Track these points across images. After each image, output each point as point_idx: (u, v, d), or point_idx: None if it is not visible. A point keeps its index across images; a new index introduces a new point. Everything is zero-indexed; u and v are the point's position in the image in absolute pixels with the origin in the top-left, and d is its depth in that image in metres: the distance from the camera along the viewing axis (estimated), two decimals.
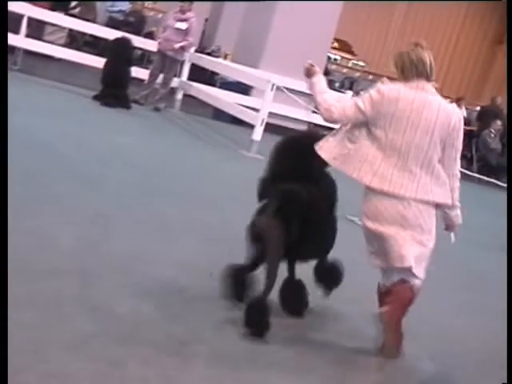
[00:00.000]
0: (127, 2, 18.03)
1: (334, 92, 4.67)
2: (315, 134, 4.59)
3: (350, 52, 31.01)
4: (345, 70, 23.34)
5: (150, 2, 22.92)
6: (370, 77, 24.91)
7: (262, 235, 4.18)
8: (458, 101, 19.54)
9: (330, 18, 13.86)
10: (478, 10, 33.30)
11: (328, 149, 4.25)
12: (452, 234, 4.51)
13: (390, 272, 4.31)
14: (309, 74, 4.44)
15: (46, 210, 5.38)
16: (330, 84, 16.02)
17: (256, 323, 4.07)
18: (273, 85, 10.55)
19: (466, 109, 19.70)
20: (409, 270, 4.20)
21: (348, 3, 15.81)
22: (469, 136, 17.26)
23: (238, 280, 4.39)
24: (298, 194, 4.20)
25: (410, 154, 4.14)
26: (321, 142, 4.28)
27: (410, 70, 4.21)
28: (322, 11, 13.57)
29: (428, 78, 4.23)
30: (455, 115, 4.23)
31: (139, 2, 19.17)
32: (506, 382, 3.85)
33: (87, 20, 15.17)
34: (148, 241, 5.32)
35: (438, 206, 4.27)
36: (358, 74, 23.43)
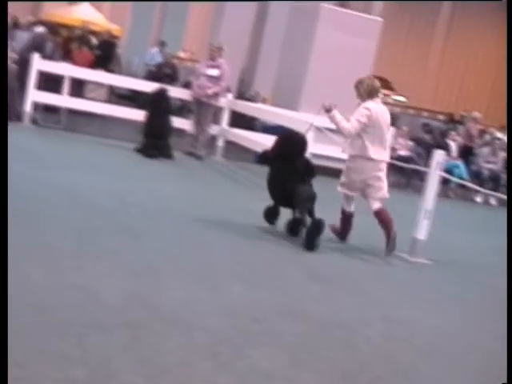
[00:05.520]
0: (160, 54, 18.42)
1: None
2: (299, 132, 7.98)
3: (390, 88, 31.02)
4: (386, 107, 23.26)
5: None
6: (411, 111, 24.79)
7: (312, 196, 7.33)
8: (501, 128, 19.30)
9: (366, 55, 13.90)
10: None
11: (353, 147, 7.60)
12: None
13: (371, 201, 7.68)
14: (328, 110, 7.48)
15: (92, 264, 5.41)
16: None
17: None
18: (312, 126, 10.54)
19: None
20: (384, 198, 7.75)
21: (384, 41, 15.86)
22: None
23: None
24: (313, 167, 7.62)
25: (383, 139, 7.52)
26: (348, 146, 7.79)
27: (374, 92, 7.50)
28: (358, 49, 13.62)
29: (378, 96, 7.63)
30: (389, 116, 7.68)
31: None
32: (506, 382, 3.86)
33: (111, 71, 15.55)
34: (195, 290, 5.30)
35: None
36: (398, 110, 23.34)
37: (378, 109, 7.50)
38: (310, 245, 7.09)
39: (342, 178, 7.72)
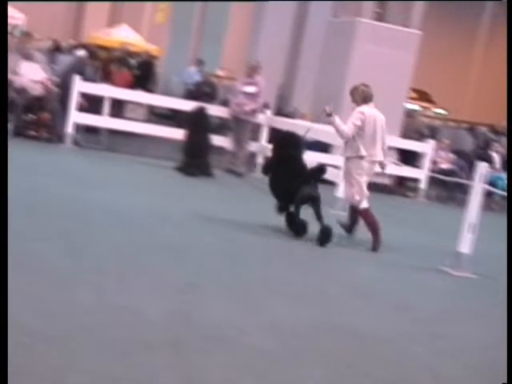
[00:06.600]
0: (198, 73, 18.57)
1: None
2: (296, 133, 8.67)
3: (429, 101, 30.79)
4: (426, 120, 23.04)
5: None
6: (452, 124, 24.50)
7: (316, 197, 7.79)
8: None
9: (404, 68, 13.82)
10: None
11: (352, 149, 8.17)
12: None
13: (361, 201, 8.13)
14: (329, 114, 8.07)
15: (134, 283, 5.43)
16: (414, 134, 15.65)
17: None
18: (310, 130, 10.43)
19: None
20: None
21: (423, 54, 15.75)
22: None
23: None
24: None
25: (376, 140, 8.12)
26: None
27: (368, 98, 8.17)
28: (396, 63, 13.55)
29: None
30: (383, 118, 8.24)
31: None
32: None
33: (149, 91, 15.73)
34: (237, 307, 5.29)
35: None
36: (438, 122, 23.11)
37: (371, 112, 8.12)
38: (323, 244, 7.69)
39: (351, 189, 8.21)
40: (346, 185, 8.40)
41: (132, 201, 8.62)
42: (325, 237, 7.70)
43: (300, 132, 9.00)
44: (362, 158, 8.10)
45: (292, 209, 8.00)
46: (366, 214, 8.16)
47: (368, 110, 8.13)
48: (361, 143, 8.06)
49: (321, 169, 8.13)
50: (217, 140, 12.53)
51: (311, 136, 12.95)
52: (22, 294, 4.63)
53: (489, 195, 11.63)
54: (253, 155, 13.16)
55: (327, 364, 4.46)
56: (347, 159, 8.30)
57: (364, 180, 8.21)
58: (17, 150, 10.97)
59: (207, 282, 5.78)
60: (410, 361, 4.79)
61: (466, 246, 7.50)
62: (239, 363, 4.24)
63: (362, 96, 8.20)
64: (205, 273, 6.06)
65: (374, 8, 14.11)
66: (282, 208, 8.15)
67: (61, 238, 6.33)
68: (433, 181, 13.40)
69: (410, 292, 6.71)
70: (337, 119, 8.13)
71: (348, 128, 8.04)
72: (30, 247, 5.84)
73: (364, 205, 8.15)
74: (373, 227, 8.08)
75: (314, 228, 7.85)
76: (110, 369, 3.82)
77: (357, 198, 8.15)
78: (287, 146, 8.28)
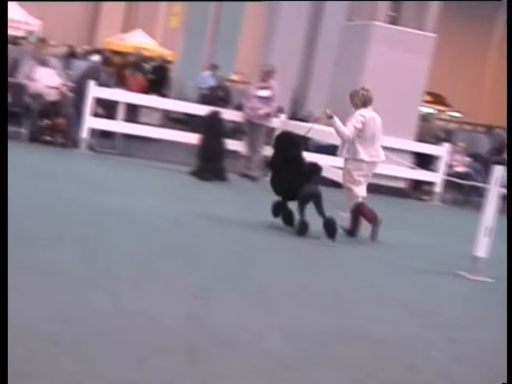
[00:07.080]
0: (212, 78, 18.59)
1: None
2: (294, 133, 9.35)
3: (444, 104, 30.67)
4: (441, 123, 22.95)
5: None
6: (467, 127, 24.37)
7: (318, 194, 8.05)
8: None
9: (419, 72, 13.75)
10: None
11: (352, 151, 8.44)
12: None
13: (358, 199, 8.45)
14: (330, 116, 8.42)
15: (148, 288, 5.42)
16: (430, 137, 15.57)
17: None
18: (311, 129, 10.40)
19: None
20: None
21: (439, 56, 15.69)
22: None
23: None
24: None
25: (375, 142, 8.45)
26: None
27: (368, 102, 8.48)
28: (411, 66, 13.49)
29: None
30: (380, 120, 8.54)
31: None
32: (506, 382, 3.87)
33: (163, 95, 15.75)
34: (251, 311, 5.26)
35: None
36: (452, 125, 22.97)
37: (371, 115, 8.45)
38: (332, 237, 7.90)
39: (351, 190, 8.53)
40: (345, 185, 8.65)
41: (147, 205, 8.62)
42: (330, 228, 7.90)
43: (315, 135, 9.18)
44: (360, 159, 8.42)
45: (288, 206, 8.40)
46: (362, 209, 8.49)
47: (367, 113, 8.45)
48: (359, 145, 8.39)
49: (317, 168, 8.34)
50: (231, 144, 12.51)
51: (324, 140, 12.97)
52: (37, 299, 4.64)
53: (505, 199, 11.53)
54: (267, 159, 13.13)
55: (344, 369, 4.42)
56: (346, 160, 8.62)
57: (363, 180, 8.54)
58: (32, 155, 11.04)
59: (222, 286, 5.76)
60: (427, 366, 4.74)
61: (482, 249, 7.44)
62: (254, 368, 4.21)
63: (362, 100, 8.51)
64: (219, 277, 6.04)
65: (388, 11, 14.05)
66: (277, 208, 8.47)
67: (75, 243, 6.34)
68: (448, 184, 13.32)
69: (426, 296, 6.66)
70: (337, 121, 8.42)
71: (349, 130, 8.35)
72: (44, 252, 5.85)
73: (359, 200, 8.48)
74: (371, 216, 8.48)
75: (316, 228, 7.83)
76: (125, 374, 3.82)
77: (356, 198, 8.47)
78: (287, 146, 8.55)
